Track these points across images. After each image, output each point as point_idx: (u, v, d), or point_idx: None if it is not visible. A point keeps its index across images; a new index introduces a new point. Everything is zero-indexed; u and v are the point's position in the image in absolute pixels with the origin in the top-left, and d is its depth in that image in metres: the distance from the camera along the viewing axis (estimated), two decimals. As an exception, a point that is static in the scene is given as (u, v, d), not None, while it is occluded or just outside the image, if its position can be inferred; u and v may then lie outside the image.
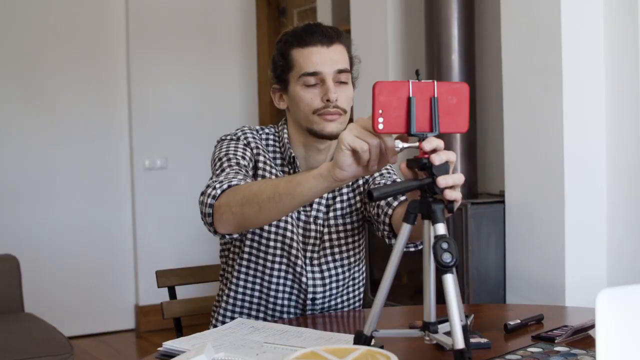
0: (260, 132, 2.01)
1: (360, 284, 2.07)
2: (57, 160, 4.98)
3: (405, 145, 1.38)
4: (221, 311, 2.01)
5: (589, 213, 2.99)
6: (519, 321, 1.74)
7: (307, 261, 1.95)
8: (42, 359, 2.99)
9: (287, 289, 1.96)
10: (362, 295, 2.09)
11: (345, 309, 2.04)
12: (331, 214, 1.97)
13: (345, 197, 2.00)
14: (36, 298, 4.55)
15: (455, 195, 1.34)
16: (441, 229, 1.32)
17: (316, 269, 1.96)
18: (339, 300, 2.02)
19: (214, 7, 5.37)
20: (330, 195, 1.98)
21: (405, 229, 1.37)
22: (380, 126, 1.36)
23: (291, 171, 1.95)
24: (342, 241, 1.98)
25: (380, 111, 1.36)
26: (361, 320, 1.97)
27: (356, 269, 2.05)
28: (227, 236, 1.77)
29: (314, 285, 1.96)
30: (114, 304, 5.14)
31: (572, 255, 2.97)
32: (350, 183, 2.00)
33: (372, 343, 1.60)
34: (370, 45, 4.01)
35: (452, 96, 1.39)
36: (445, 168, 1.34)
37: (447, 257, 1.27)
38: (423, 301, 1.40)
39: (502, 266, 3.28)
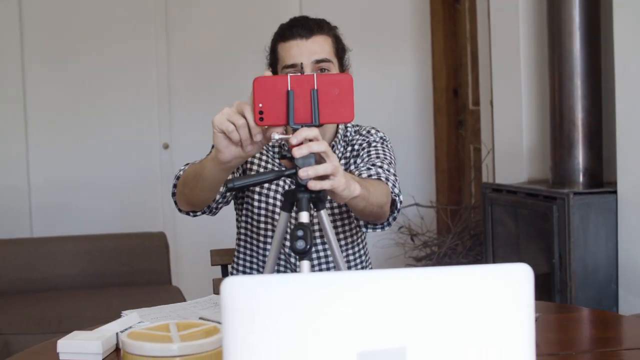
0: None
1: (359, 267, 2.10)
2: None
3: (281, 136, 1.45)
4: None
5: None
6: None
7: None
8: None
9: (281, 269, 2.06)
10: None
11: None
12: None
13: None
14: (187, 274, 4.88)
15: (321, 185, 1.40)
16: (304, 217, 1.39)
17: None
18: (332, 282, 2.07)
19: (386, -5, 5.42)
20: None
21: (282, 217, 1.45)
22: (261, 119, 1.45)
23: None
24: (332, 224, 2.03)
25: (260, 105, 1.45)
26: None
27: (350, 251, 2.08)
28: (192, 214, 1.95)
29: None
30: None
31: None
32: (343, 164, 2.04)
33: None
34: (504, 32, 3.94)
35: (335, 88, 1.44)
36: (308, 159, 1.40)
37: (300, 244, 1.34)
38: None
39: (615, 260, 3.11)
